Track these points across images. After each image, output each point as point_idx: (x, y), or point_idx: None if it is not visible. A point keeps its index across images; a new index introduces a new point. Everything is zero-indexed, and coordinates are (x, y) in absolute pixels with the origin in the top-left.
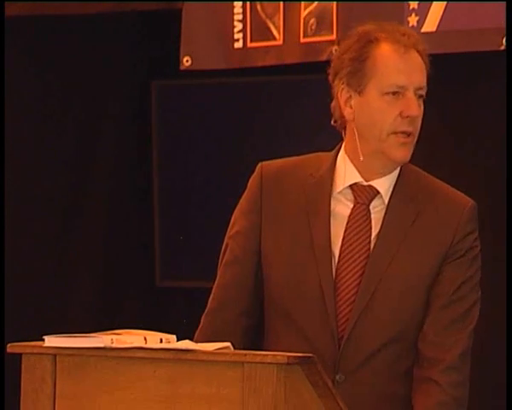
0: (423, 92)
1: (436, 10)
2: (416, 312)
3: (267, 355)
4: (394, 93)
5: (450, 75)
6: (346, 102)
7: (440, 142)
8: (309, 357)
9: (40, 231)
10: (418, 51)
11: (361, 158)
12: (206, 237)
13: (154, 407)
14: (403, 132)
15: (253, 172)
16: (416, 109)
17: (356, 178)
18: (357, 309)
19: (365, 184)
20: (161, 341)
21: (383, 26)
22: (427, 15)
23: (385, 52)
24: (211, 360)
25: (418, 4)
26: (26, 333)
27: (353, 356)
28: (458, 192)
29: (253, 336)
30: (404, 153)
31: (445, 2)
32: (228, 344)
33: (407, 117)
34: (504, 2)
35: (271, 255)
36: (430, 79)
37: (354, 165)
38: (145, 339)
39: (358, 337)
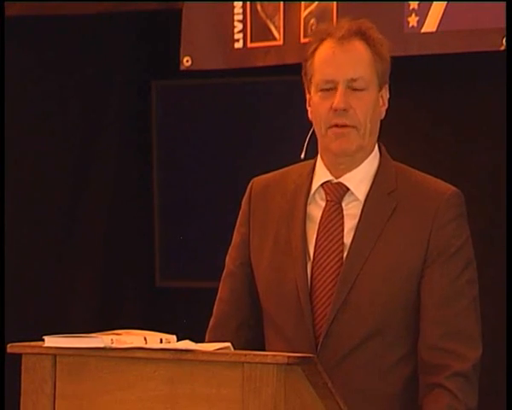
0: (360, 84)
1: (436, 10)
2: (394, 306)
3: (267, 356)
4: (328, 89)
5: (450, 75)
6: (308, 101)
7: (440, 141)
8: (309, 357)
9: (40, 232)
10: (364, 40)
11: (324, 156)
12: (205, 237)
13: (154, 407)
14: (336, 126)
15: (252, 172)
16: (340, 102)
17: (326, 176)
18: (334, 307)
19: (335, 181)
20: (161, 341)
21: (334, 24)
22: (427, 15)
23: (322, 50)
24: (211, 360)
25: (418, 4)
26: (26, 333)
27: (331, 355)
28: (440, 182)
29: (255, 349)
30: (340, 144)
31: (445, 3)
32: (228, 344)
33: (335, 110)
34: (504, 3)
35: (257, 263)
36: (428, 80)
37: (324, 163)
38: (145, 339)
39: (336, 335)
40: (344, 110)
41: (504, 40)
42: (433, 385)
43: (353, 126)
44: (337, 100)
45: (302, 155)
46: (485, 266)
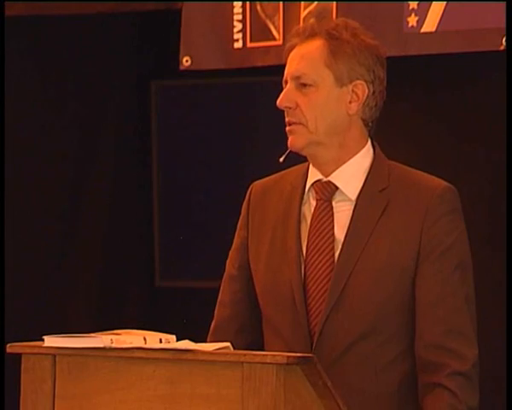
0: (305, 80)
1: (436, 10)
2: (387, 304)
3: (266, 355)
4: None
5: (450, 75)
6: None
7: (440, 142)
8: (308, 357)
9: (40, 231)
10: (324, 38)
11: None
12: (206, 237)
13: (154, 407)
14: (287, 123)
15: (252, 172)
16: (281, 100)
17: (317, 175)
18: (327, 305)
19: (324, 180)
20: (161, 341)
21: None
22: (426, 15)
23: (290, 52)
24: (210, 360)
25: (418, 4)
26: (26, 333)
27: (326, 354)
28: (433, 178)
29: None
30: (290, 142)
31: (444, 3)
32: (228, 344)
33: (280, 108)
34: (504, 3)
35: (255, 265)
36: (428, 79)
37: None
38: (145, 339)
39: (330, 334)
40: (289, 108)
41: (504, 40)
42: (432, 385)
43: (300, 123)
44: (279, 98)
45: (281, 159)
46: (485, 266)
